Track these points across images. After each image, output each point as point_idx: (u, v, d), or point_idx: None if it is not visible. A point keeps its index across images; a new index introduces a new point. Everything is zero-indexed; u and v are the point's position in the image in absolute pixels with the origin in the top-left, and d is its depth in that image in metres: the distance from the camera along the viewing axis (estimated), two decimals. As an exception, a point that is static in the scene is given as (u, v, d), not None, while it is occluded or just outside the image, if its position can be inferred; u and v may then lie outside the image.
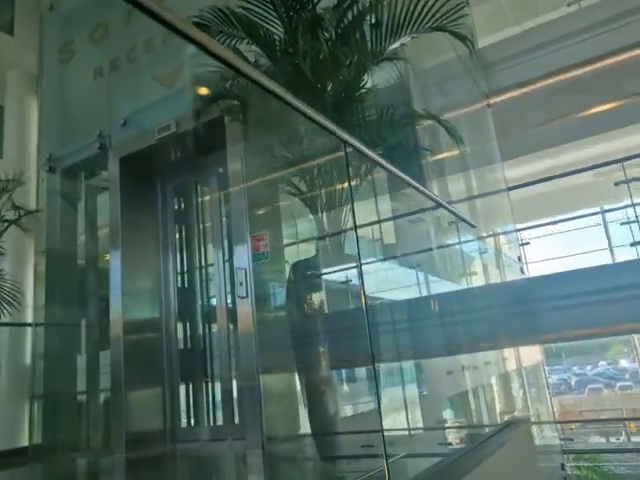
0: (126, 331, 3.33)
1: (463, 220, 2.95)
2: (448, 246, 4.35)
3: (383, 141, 2.15)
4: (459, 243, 4.48)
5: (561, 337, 4.97)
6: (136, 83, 3.79)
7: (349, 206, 2.24)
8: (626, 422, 18.08)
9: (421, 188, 2.36)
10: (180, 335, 3.74)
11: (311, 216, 2.30)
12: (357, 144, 1.49)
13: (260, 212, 3.07)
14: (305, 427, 2.56)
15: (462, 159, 4.97)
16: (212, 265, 3.80)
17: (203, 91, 3.16)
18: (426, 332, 3.58)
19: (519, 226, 5.95)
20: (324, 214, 2.24)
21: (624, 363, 21.62)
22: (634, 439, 13.88)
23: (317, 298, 2.25)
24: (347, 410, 2.80)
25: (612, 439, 13.97)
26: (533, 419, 5.03)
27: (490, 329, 4.10)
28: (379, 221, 4.20)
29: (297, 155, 2.39)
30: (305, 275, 2.31)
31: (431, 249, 4.12)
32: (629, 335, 19.45)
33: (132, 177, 3.67)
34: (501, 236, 5.58)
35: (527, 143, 5.68)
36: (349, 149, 1.49)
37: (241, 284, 2.91)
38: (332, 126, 1.37)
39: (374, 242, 4.46)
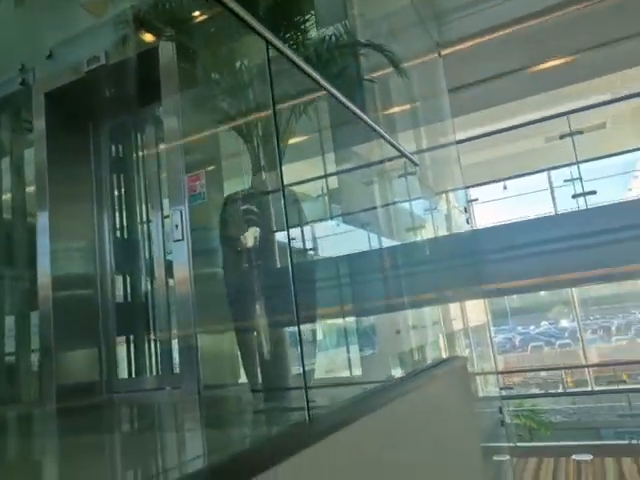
0: (55, 288, 3.16)
1: (405, 156, 2.89)
2: (395, 203, 4.32)
3: (323, 66, 2.01)
4: (408, 201, 4.45)
5: (505, 288, 5.08)
6: (63, 11, 3.46)
7: (287, 137, 2.11)
8: (563, 376, 19.30)
9: (364, 117, 2.25)
10: (118, 289, 3.62)
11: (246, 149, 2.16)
12: (281, 46, 1.35)
13: (198, 152, 2.90)
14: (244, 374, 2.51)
15: (413, 115, 4.90)
16: (151, 217, 3.64)
17: (136, 18, 2.91)
18: (371, 288, 3.56)
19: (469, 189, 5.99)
20: (259, 145, 2.10)
21: (564, 323, 22.85)
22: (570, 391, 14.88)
23: (251, 236, 2.14)
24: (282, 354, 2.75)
25: (551, 391, 14.89)
26: (481, 387, 5.19)
27: (436, 283, 4.13)
28: (325, 176, 4.10)
29: (233, 81, 2.22)
30: (238, 211, 2.19)
31: (376, 207, 4.08)
32: (569, 296, 20.48)
33: (60, 117, 3.39)
34: (450, 193, 5.60)
35: (478, 98, 5.65)
36: (274, 53, 1.35)
37: (177, 227, 2.76)
38: (253, 21, 1.22)
39: (318, 198, 4.38)
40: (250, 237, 2.12)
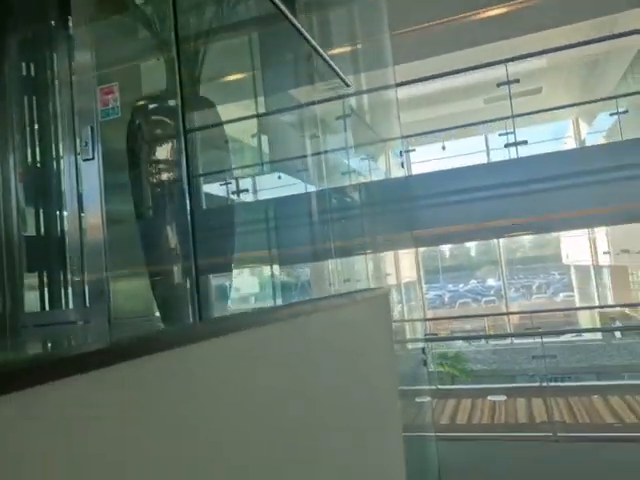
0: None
1: (338, 76, 2.75)
2: (327, 152, 4.20)
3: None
4: (343, 149, 4.34)
5: (436, 236, 5.16)
6: None
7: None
8: (486, 329, 20.54)
9: (298, 25, 2.07)
10: (30, 222, 3.33)
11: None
12: None
13: (112, 63, 2.61)
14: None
15: (353, 59, 4.72)
16: (65, 142, 3.31)
17: None
18: (297, 234, 3.46)
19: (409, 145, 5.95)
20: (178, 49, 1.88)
21: (491, 282, 24.18)
22: (492, 342, 15.95)
23: (164, 154, 1.94)
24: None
25: (474, 343, 15.83)
26: (409, 334, 5.32)
27: (368, 229, 4.09)
28: (255, 116, 3.91)
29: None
30: (150, 120, 1.98)
31: (308, 152, 3.94)
32: (497, 257, 21.56)
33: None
34: (386, 140, 5.54)
35: (420, 45, 5.55)
36: None
37: (86, 144, 2.51)
38: None
39: (248, 141, 4.17)
40: (163, 155, 1.93)
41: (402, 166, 4.77)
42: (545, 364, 5.05)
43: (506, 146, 4.69)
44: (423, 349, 4.39)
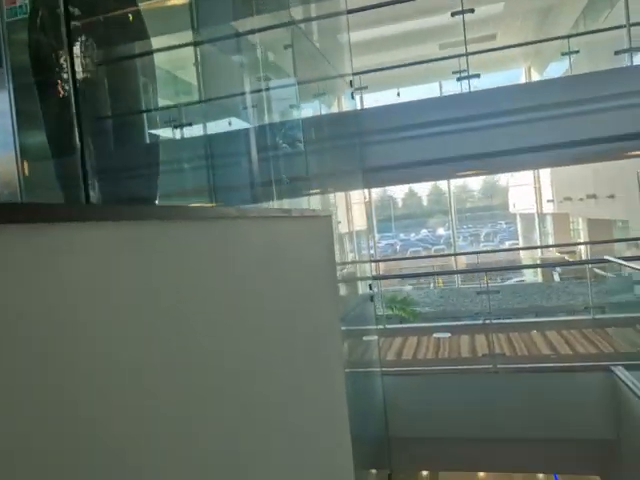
0: None
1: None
2: (275, 86, 3.93)
3: None
4: (285, 87, 4.06)
5: (387, 175, 5.05)
6: None
7: None
8: (435, 277, 21.12)
9: None
10: None
11: None
12: None
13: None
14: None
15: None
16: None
17: None
18: (229, 177, 3.23)
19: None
20: None
21: (441, 231, 24.81)
22: (439, 286, 16.55)
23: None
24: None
25: (422, 288, 16.31)
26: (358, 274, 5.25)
27: (316, 169, 3.90)
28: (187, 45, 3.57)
29: None
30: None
31: (246, 87, 3.66)
32: (447, 206, 21.99)
33: None
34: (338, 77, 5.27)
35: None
36: None
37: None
38: None
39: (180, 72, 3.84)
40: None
41: (352, 97, 4.56)
42: (489, 303, 5.16)
43: (458, 80, 4.57)
44: (370, 285, 4.37)
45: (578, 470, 6.15)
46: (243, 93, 3.77)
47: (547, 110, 4.27)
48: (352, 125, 4.58)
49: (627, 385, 3.90)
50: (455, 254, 17.40)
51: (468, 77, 4.57)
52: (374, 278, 4.72)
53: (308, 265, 2.05)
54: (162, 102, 3.73)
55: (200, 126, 3.67)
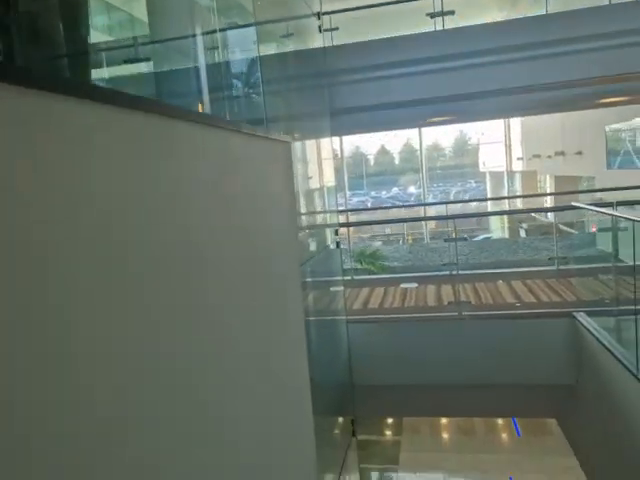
0: None
1: None
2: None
3: None
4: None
5: (356, 120, 4.85)
6: None
7: None
8: (405, 235, 21.36)
9: None
10: None
11: None
12: None
13: None
14: None
15: None
16: None
17: None
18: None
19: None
20: None
21: (412, 189, 24.85)
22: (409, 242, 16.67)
23: None
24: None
25: (392, 243, 16.40)
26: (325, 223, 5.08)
27: (277, 110, 3.66)
28: None
29: None
30: None
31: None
32: (419, 165, 21.95)
33: None
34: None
35: None
36: None
37: None
38: None
39: None
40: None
41: (320, 30, 4.27)
42: (456, 253, 5.12)
43: (432, 17, 4.32)
44: (336, 231, 4.25)
45: (537, 414, 6.36)
46: (194, 28, 3.44)
47: (521, 51, 4.10)
48: (319, 64, 4.32)
49: (588, 330, 3.94)
50: (424, 204, 17.51)
51: (442, 14, 4.33)
52: (341, 225, 4.60)
53: (264, 193, 1.88)
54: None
55: (147, 64, 3.36)
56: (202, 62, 3.26)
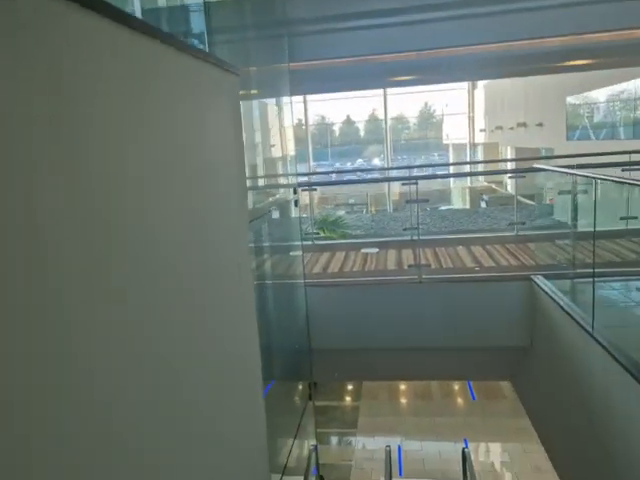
0: None
1: None
2: None
3: None
4: None
5: (316, 76, 4.63)
6: None
7: None
8: (368, 205, 21.36)
9: None
10: None
11: None
12: None
13: None
14: None
15: None
16: None
17: None
18: None
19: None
20: None
21: (376, 161, 24.81)
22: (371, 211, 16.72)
23: None
24: None
25: (355, 212, 16.38)
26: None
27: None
28: None
29: None
30: None
31: None
32: (383, 137, 21.85)
33: None
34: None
35: None
36: None
37: None
38: None
39: None
40: None
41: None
42: (417, 214, 5.04)
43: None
44: (295, 189, 4.07)
45: (493, 377, 6.48)
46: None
47: (489, 5, 3.96)
48: (277, 10, 4.05)
49: (544, 291, 3.95)
50: (388, 168, 17.55)
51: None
52: (299, 185, 4.42)
53: (206, 128, 1.67)
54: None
55: None
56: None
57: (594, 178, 3.05)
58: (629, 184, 3.80)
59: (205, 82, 1.66)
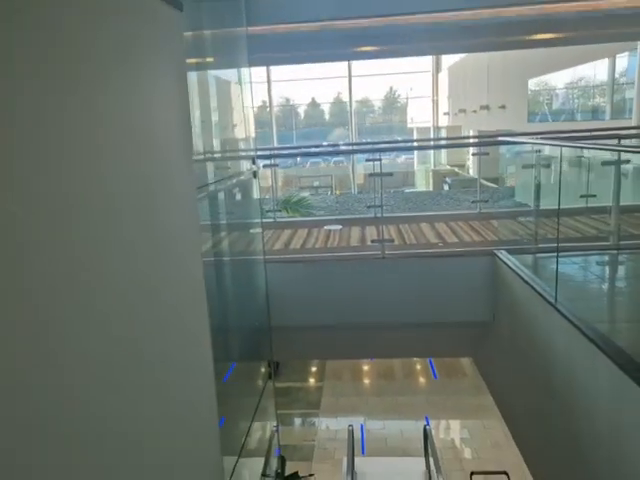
0: None
1: None
2: None
3: None
4: None
5: (276, 44, 4.40)
6: None
7: None
8: (333, 188, 21.27)
9: None
10: None
11: None
12: None
13: None
14: None
15: None
16: None
17: None
18: None
19: None
20: None
21: (341, 144, 24.67)
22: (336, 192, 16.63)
23: None
24: None
25: (320, 194, 16.25)
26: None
27: None
28: None
29: None
30: None
31: None
32: (348, 121, 21.69)
33: None
34: None
35: None
36: None
37: None
38: None
39: None
40: None
41: None
42: (381, 189, 4.91)
43: None
44: (253, 160, 3.86)
45: (454, 353, 6.49)
46: None
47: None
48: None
49: (507, 265, 3.91)
50: (352, 144, 17.50)
51: None
52: (258, 156, 4.21)
53: (138, 69, 1.46)
54: None
55: None
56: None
57: (560, 146, 2.99)
58: (591, 148, 3.78)
59: (137, 12, 1.44)
